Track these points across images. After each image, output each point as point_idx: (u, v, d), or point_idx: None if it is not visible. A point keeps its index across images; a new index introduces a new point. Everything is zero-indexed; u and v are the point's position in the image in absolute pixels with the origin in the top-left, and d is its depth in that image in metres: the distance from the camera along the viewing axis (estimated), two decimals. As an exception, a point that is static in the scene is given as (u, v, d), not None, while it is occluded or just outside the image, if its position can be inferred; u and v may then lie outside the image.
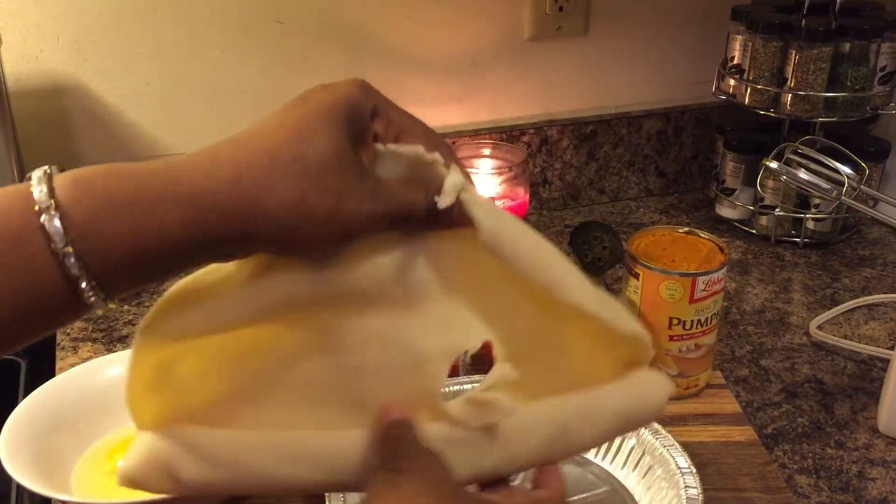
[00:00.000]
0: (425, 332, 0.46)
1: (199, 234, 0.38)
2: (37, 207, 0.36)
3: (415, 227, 0.45)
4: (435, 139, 0.46)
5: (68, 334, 0.96)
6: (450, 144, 0.48)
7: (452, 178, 0.44)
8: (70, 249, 0.36)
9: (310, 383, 0.45)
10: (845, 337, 0.96)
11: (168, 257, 0.38)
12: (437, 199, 0.44)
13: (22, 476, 0.67)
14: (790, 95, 1.09)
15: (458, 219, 0.44)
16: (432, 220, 0.44)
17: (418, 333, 0.45)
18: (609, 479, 0.75)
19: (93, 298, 0.38)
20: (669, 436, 0.73)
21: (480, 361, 0.78)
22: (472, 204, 0.44)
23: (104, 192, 0.37)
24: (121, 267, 0.38)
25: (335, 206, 0.40)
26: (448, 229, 0.45)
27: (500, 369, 0.47)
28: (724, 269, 0.82)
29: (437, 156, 0.44)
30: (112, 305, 0.39)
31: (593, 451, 0.76)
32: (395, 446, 0.44)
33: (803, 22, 1.07)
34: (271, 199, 0.39)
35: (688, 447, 0.72)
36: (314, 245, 0.42)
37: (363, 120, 0.43)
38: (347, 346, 0.45)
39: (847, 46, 1.07)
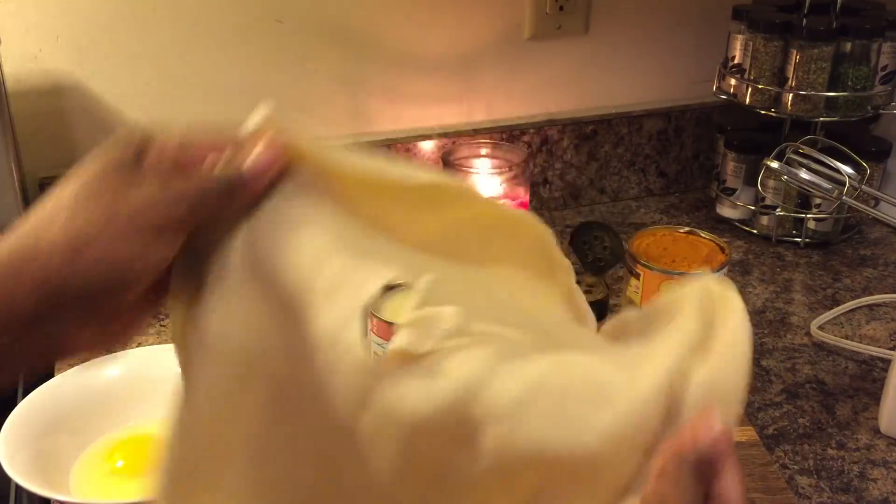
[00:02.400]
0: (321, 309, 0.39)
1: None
2: None
3: (238, 210, 0.42)
4: (220, 137, 0.44)
5: (67, 334, 0.96)
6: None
7: (253, 119, 0.43)
8: None
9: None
10: (846, 337, 0.96)
11: None
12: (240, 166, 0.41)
13: (21, 476, 0.67)
14: (791, 95, 1.09)
15: (263, 175, 0.42)
16: (242, 193, 0.42)
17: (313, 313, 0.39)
18: (609, 479, 0.74)
19: None
20: (670, 436, 0.73)
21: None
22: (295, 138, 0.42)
23: None
24: None
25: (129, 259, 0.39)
26: (265, 191, 0.42)
27: (419, 283, 0.39)
28: (724, 269, 0.82)
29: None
30: None
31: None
32: None
33: (804, 21, 1.07)
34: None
35: (688, 448, 0.72)
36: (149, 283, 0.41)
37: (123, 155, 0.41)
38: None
39: (848, 46, 1.07)
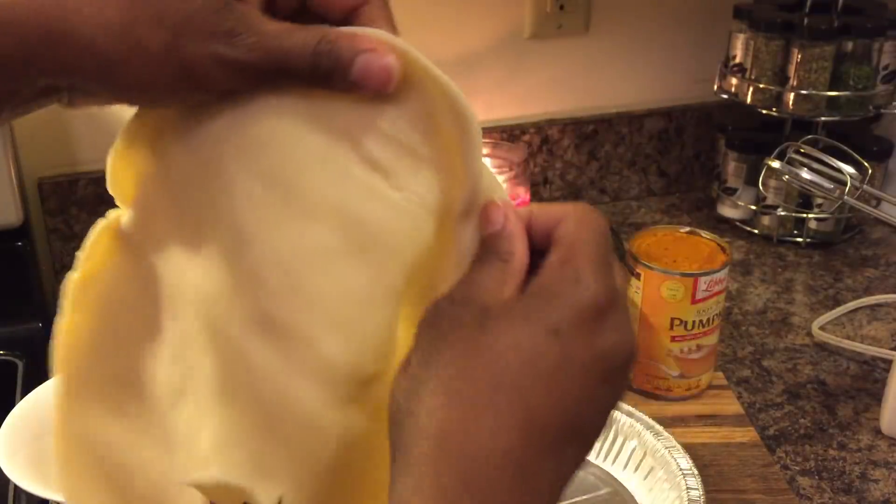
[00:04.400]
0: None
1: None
2: None
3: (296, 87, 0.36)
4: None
5: (67, 334, 0.95)
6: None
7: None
8: None
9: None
10: (848, 337, 0.96)
11: None
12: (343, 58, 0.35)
13: (19, 477, 0.67)
14: (792, 94, 1.08)
15: (360, 84, 0.35)
16: (319, 82, 0.35)
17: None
18: (610, 480, 0.74)
19: None
20: (671, 437, 0.73)
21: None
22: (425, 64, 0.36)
23: None
24: None
25: (172, 42, 0.33)
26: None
27: None
28: (725, 270, 0.81)
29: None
30: None
31: (594, 452, 0.76)
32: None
33: (806, 20, 1.07)
34: (85, 21, 0.33)
35: (689, 448, 0.72)
36: (152, 91, 0.35)
37: None
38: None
39: (850, 45, 1.07)
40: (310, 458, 0.38)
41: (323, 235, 0.37)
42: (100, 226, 0.41)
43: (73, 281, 0.42)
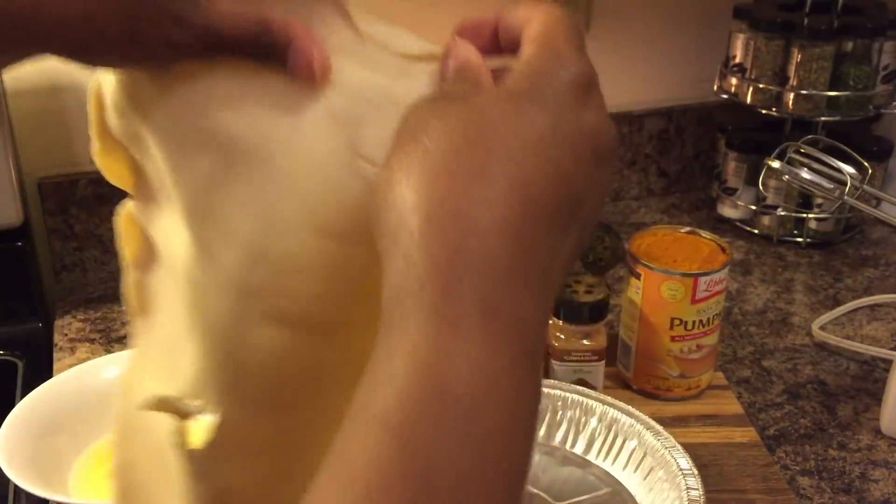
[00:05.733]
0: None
1: None
2: None
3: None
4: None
5: (66, 335, 0.95)
6: None
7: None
8: None
9: None
10: (848, 337, 0.96)
11: None
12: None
13: (19, 477, 0.67)
14: (792, 94, 1.08)
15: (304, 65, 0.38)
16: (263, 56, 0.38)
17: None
18: (610, 480, 0.74)
19: None
20: (671, 437, 0.73)
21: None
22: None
23: None
24: None
25: (127, 29, 0.37)
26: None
27: None
28: (725, 270, 0.81)
29: None
30: None
31: (594, 452, 0.76)
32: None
33: (805, 20, 1.07)
34: (53, 11, 0.37)
35: (689, 448, 0.72)
36: (118, 65, 0.40)
37: None
38: None
39: (850, 45, 1.07)
40: (243, 375, 0.39)
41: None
42: (121, 216, 0.45)
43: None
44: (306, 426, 0.40)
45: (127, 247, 0.45)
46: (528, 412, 0.31)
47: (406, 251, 0.31)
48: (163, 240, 0.43)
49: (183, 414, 0.39)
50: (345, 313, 0.39)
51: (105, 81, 0.42)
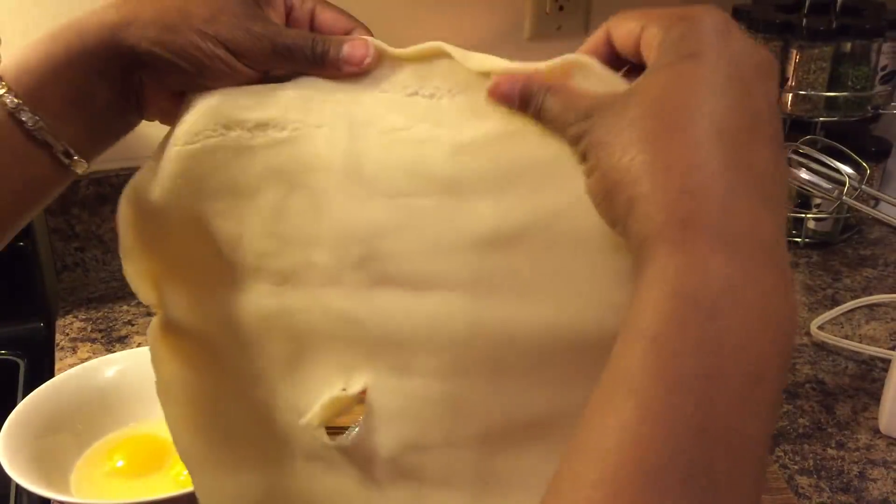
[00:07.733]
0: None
1: (75, 48, 0.46)
2: None
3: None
4: (352, 19, 0.53)
5: (67, 335, 0.96)
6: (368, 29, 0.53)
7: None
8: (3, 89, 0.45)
9: None
10: (846, 337, 0.96)
11: (63, 71, 0.46)
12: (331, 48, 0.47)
13: (21, 477, 0.67)
14: (791, 95, 1.09)
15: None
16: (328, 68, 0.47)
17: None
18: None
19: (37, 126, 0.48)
20: (670, 436, 0.73)
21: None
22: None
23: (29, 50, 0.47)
24: (45, 91, 0.47)
25: (197, 47, 0.45)
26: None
27: None
28: (724, 269, 0.81)
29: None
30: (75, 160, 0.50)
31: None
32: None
33: (804, 21, 1.07)
34: (134, 34, 0.45)
35: (688, 448, 0.72)
36: (194, 77, 0.46)
37: None
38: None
39: (848, 46, 1.07)
40: None
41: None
42: (151, 336, 0.51)
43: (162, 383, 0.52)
44: None
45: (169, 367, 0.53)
46: (776, 317, 0.34)
47: (645, 208, 0.35)
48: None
49: None
50: None
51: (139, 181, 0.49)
